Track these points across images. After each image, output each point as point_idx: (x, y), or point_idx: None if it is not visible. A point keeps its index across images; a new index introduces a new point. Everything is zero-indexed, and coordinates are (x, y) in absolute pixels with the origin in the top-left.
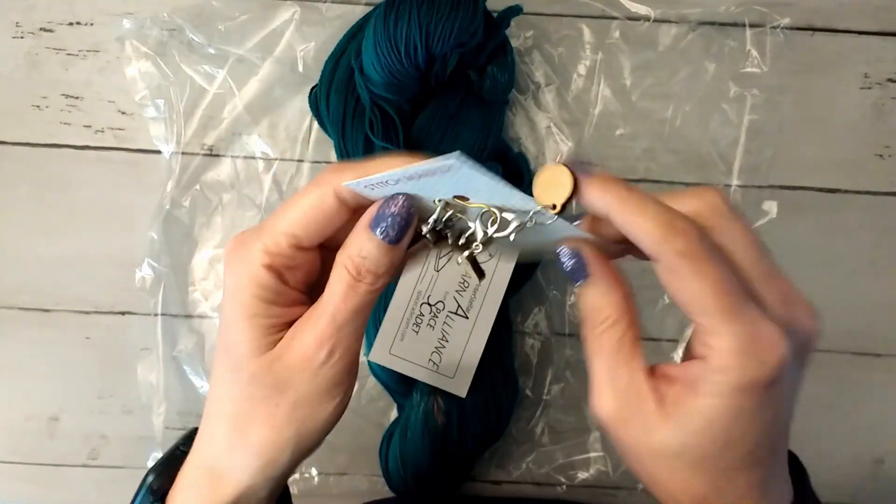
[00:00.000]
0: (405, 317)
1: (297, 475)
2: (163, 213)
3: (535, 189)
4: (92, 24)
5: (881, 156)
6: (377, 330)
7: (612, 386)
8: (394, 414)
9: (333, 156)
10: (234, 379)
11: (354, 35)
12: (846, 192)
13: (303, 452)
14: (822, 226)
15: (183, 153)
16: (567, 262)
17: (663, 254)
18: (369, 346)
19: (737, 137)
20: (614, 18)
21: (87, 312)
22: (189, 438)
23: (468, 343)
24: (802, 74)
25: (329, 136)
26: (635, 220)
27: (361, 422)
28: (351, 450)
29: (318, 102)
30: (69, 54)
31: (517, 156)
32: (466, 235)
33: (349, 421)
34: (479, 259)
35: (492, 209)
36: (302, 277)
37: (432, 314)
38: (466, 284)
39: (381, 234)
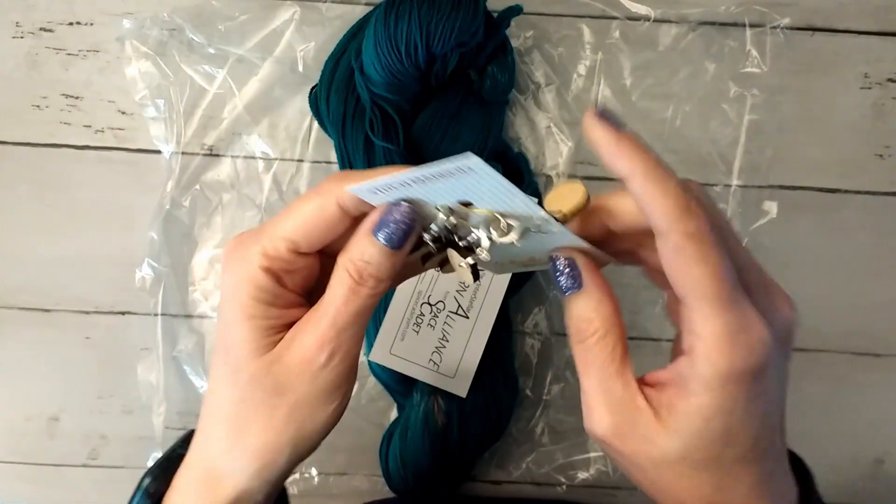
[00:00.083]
0: (406, 316)
1: (296, 475)
2: (163, 213)
3: (547, 198)
4: (92, 24)
5: (881, 156)
6: (377, 330)
7: (607, 401)
8: (394, 414)
9: (333, 156)
10: (233, 380)
11: (354, 35)
12: (846, 192)
13: (301, 454)
14: (822, 226)
15: (183, 153)
16: (561, 271)
17: (673, 232)
18: (370, 345)
19: (737, 137)
20: (614, 18)
21: (87, 312)
22: (186, 441)
23: (468, 343)
24: (802, 74)
25: (329, 135)
26: (656, 194)
27: (361, 422)
28: (351, 450)
29: (318, 102)
30: (69, 54)
31: (517, 156)
32: (471, 242)
33: (349, 421)
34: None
35: (496, 215)
36: (300, 281)
37: (433, 314)
38: (467, 285)
39: (384, 238)
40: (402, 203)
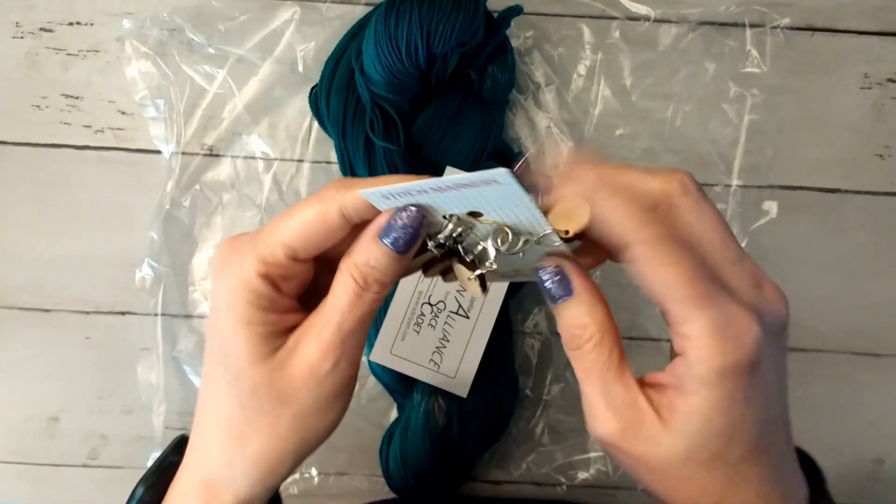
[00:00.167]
0: (406, 317)
1: (296, 475)
2: (163, 213)
3: (553, 213)
4: (92, 24)
5: (881, 156)
6: (378, 330)
7: (610, 405)
8: (394, 414)
9: (333, 156)
10: (232, 390)
11: (355, 35)
12: (846, 192)
13: (302, 459)
14: (822, 226)
15: (183, 153)
16: (550, 279)
17: (637, 243)
18: (370, 345)
19: (737, 137)
20: (614, 18)
21: (87, 312)
22: (178, 447)
23: (469, 343)
24: (802, 74)
25: (329, 135)
26: (607, 211)
27: (361, 422)
28: (351, 450)
29: (319, 102)
30: (69, 54)
31: (517, 156)
32: (476, 253)
33: (349, 421)
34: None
35: (504, 227)
36: (295, 287)
37: (433, 314)
38: (463, 287)
39: (391, 242)
40: (411, 208)
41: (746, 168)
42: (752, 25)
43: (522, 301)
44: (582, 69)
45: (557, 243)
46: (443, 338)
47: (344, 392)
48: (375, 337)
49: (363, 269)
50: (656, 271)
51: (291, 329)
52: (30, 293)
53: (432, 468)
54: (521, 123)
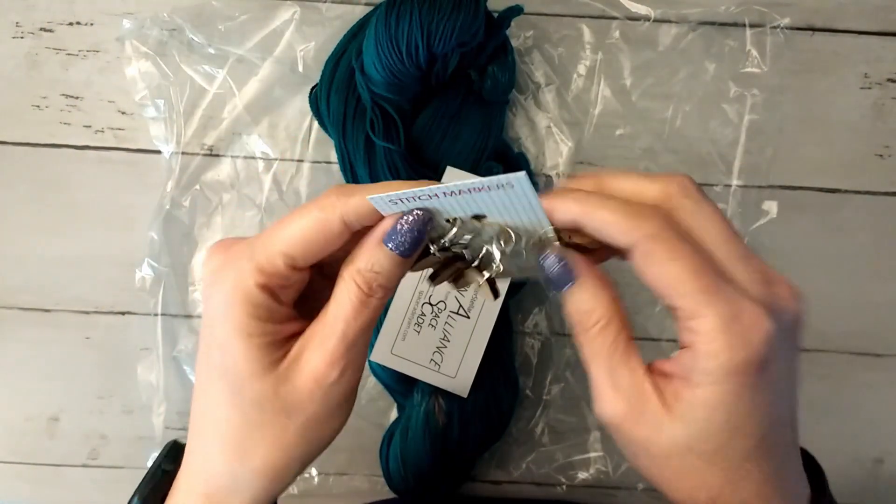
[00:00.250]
0: (407, 316)
1: None
2: (163, 213)
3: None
4: (92, 24)
5: (881, 156)
6: (378, 330)
7: (615, 388)
8: (394, 414)
9: (333, 156)
10: (235, 402)
11: (355, 35)
12: (846, 192)
13: (307, 466)
14: (822, 226)
15: (183, 153)
16: (552, 267)
17: (635, 241)
18: (370, 345)
19: (737, 137)
20: (614, 18)
21: (87, 312)
22: (171, 455)
23: (469, 343)
24: (802, 74)
25: (329, 135)
26: (601, 216)
27: (361, 422)
28: (351, 450)
29: (319, 102)
30: (69, 54)
31: (517, 156)
32: (480, 256)
33: (349, 421)
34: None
35: (507, 229)
36: (292, 295)
37: (434, 314)
38: (464, 289)
39: (394, 246)
40: (416, 211)
41: (746, 168)
42: (752, 25)
43: (522, 301)
44: (582, 69)
45: (557, 244)
46: (443, 338)
47: (349, 398)
48: (376, 337)
49: (367, 276)
50: (660, 267)
51: (291, 337)
52: (30, 293)
53: (432, 468)
54: (521, 123)
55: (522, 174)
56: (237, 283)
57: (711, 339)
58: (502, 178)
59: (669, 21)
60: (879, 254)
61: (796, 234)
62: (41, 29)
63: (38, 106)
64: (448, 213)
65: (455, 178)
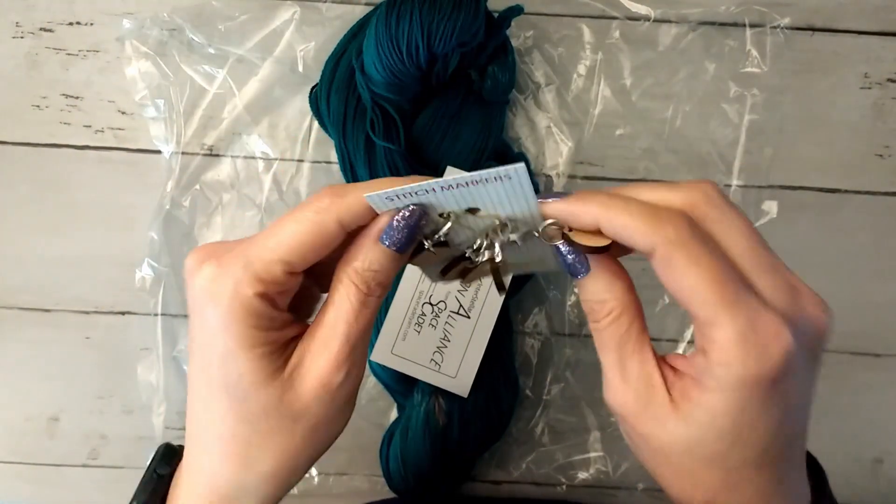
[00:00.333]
0: (407, 316)
1: None
2: (163, 213)
3: (574, 233)
4: (92, 24)
5: (881, 156)
6: (379, 330)
7: (623, 378)
8: (394, 414)
9: (333, 156)
10: (238, 415)
11: (355, 35)
12: (846, 192)
13: (312, 466)
14: (822, 226)
15: (183, 153)
16: (567, 256)
17: (655, 245)
18: (371, 346)
19: (737, 137)
20: (614, 18)
21: (87, 312)
22: (164, 458)
23: (470, 343)
24: (802, 74)
25: (329, 135)
26: (622, 219)
27: (361, 422)
28: (351, 450)
29: (319, 102)
30: (69, 54)
31: (517, 156)
32: (478, 248)
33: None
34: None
35: (505, 220)
36: (288, 299)
37: (434, 314)
38: (468, 285)
39: (390, 242)
40: (413, 207)
41: (746, 168)
42: (752, 25)
43: (522, 301)
44: (582, 69)
45: (557, 240)
46: (443, 338)
47: (353, 398)
48: (376, 337)
49: (365, 275)
50: (679, 273)
51: (291, 341)
52: (30, 293)
53: (432, 468)
54: (521, 123)
55: (522, 165)
56: (235, 294)
57: (726, 348)
58: (501, 169)
59: (669, 21)
60: (879, 254)
61: (796, 234)
62: (41, 29)
63: (38, 106)
64: (442, 208)
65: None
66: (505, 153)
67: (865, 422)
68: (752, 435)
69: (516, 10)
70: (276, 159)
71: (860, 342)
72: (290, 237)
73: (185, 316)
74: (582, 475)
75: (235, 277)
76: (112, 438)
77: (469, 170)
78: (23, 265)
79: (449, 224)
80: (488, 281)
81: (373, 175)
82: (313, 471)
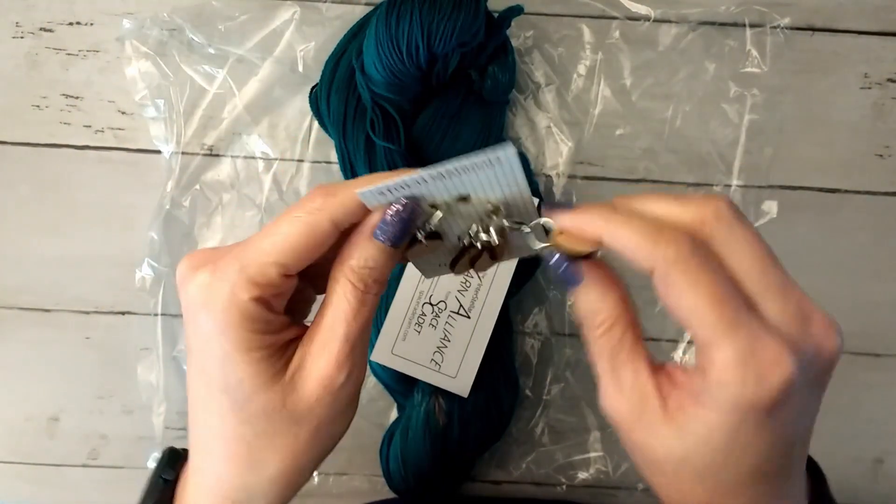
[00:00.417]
0: (407, 316)
1: None
2: (163, 213)
3: (560, 236)
4: (92, 24)
5: (881, 156)
6: (379, 330)
7: (618, 387)
8: (394, 414)
9: (333, 156)
10: (240, 418)
11: (355, 35)
12: (846, 192)
13: (318, 466)
14: (822, 226)
15: (183, 153)
16: (559, 267)
17: (655, 264)
18: (371, 346)
19: (737, 137)
20: (614, 18)
21: (87, 312)
22: (169, 463)
23: (470, 343)
24: (802, 74)
25: (329, 135)
26: (623, 234)
27: (361, 422)
28: (351, 450)
29: (319, 102)
30: (69, 54)
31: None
32: (471, 234)
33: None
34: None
35: (496, 205)
36: (284, 302)
37: (434, 314)
38: (468, 284)
39: (385, 237)
40: (404, 200)
41: (746, 168)
42: (752, 25)
43: (522, 301)
44: (582, 69)
45: (548, 234)
46: (444, 338)
47: (356, 398)
48: (376, 337)
49: (361, 272)
50: (679, 294)
51: (289, 344)
52: (30, 293)
53: (432, 468)
54: (521, 123)
55: (512, 150)
56: (230, 299)
57: (724, 370)
58: (490, 153)
59: (669, 21)
60: (879, 254)
61: (796, 234)
62: (41, 29)
63: (38, 106)
64: (433, 198)
65: None
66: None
67: (865, 422)
68: (745, 454)
69: (516, 10)
70: (276, 159)
71: (860, 342)
72: (283, 239)
73: None
74: (582, 475)
75: (230, 282)
76: (112, 438)
77: None
78: (23, 265)
79: (440, 214)
80: (488, 281)
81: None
82: None
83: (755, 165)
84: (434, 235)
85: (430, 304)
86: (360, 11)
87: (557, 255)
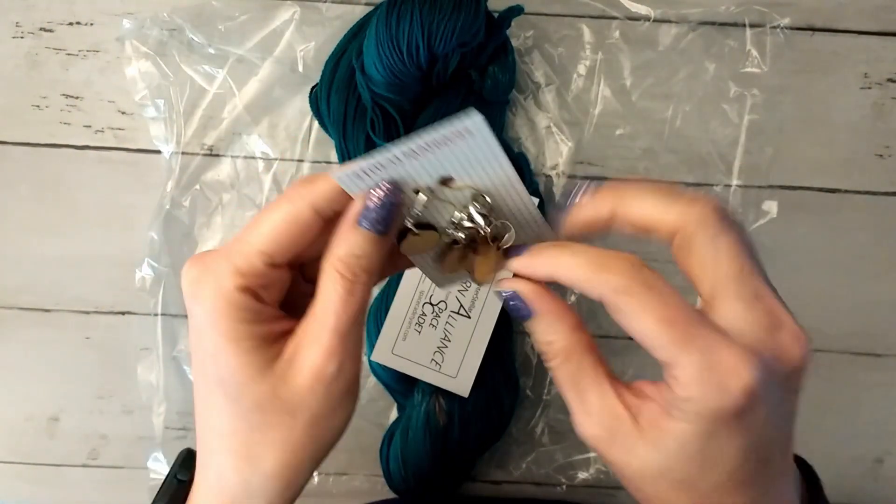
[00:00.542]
0: (408, 316)
1: None
2: (163, 213)
3: (476, 261)
4: (92, 24)
5: (881, 156)
6: (379, 330)
7: (586, 412)
8: (394, 414)
9: (333, 156)
10: (235, 411)
11: (355, 35)
12: (846, 192)
13: (319, 463)
14: (822, 226)
15: (183, 153)
16: (510, 302)
17: (603, 295)
18: (371, 345)
19: (737, 137)
20: (614, 18)
21: (87, 312)
22: (185, 464)
23: (470, 343)
24: (802, 74)
25: (329, 135)
26: (570, 271)
27: (361, 422)
28: (351, 450)
29: (319, 102)
30: (69, 54)
31: (517, 156)
32: (455, 223)
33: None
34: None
35: (479, 192)
36: (276, 295)
37: (434, 314)
38: (469, 284)
39: (371, 225)
40: (384, 183)
41: (746, 168)
42: (752, 25)
43: None
44: (582, 69)
45: (533, 211)
46: (444, 338)
47: (351, 391)
48: (377, 337)
49: (348, 262)
50: (630, 321)
51: (281, 336)
52: (30, 293)
53: (433, 468)
54: (521, 123)
55: (477, 114)
56: (217, 289)
57: (686, 386)
58: (457, 123)
59: (669, 21)
60: (879, 254)
61: (796, 234)
62: (41, 29)
63: (38, 106)
64: (416, 182)
65: None
66: (505, 153)
67: (865, 422)
68: (720, 461)
69: (516, 10)
70: (276, 159)
71: (860, 342)
72: (266, 229)
73: (186, 316)
74: (582, 475)
75: (217, 273)
76: (112, 438)
77: None
78: (23, 265)
79: (424, 198)
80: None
81: None
82: None
83: (755, 165)
84: (427, 227)
85: (431, 304)
86: (360, 11)
87: (508, 291)
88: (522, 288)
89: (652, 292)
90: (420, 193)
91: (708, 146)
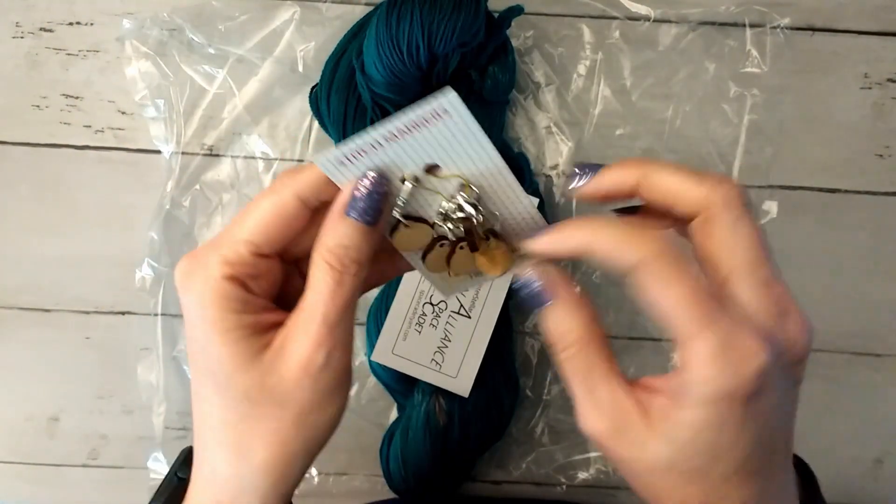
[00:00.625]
0: (408, 316)
1: None
2: (163, 213)
3: (479, 255)
4: (92, 24)
5: (881, 156)
6: (380, 330)
7: (596, 406)
8: (394, 414)
9: None
10: (224, 402)
11: (355, 35)
12: (846, 192)
13: (312, 459)
14: (822, 226)
15: (183, 153)
16: (528, 287)
17: (630, 268)
18: (372, 345)
19: (737, 137)
20: (614, 18)
21: (87, 312)
22: (186, 462)
23: (470, 343)
24: (802, 74)
25: (329, 135)
26: (599, 244)
27: (361, 422)
28: (351, 450)
29: (319, 102)
30: (69, 54)
31: (517, 156)
32: (443, 214)
33: (349, 421)
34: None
35: (466, 181)
36: (266, 286)
37: (435, 314)
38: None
39: (358, 215)
40: (369, 173)
41: (746, 168)
42: (752, 25)
43: None
44: (582, 69)
45: (524, 199)
46: (444, 338)
47: (342, 383)
48: (377, 337)
49: (337, 252)
50: (655, 294)
51: (271, 328)
52: (30, 293)
53: (433, 468)
54: (521, 123)
55: (451, 91)
56: (206, 279)
57: (703, 364)
58: (432, 101)
59: (669, 21)
60: (879, 254)
61: (796, 234)
62: (41, 29)
63: (38, 106)
64: (401, 170)
65: None
66: (505, 153)
67: (865, 422)
68: (730, 450)
69: (516, 10)
70: (276, 159)
71: (860, 342)
72: (253, 219)
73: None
74: (582, 475)
75: (206, 264)
76: (112, 438)
77: None
78: (23, 265)
79: (410, 186)
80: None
81: None
82: (313, 471)
83: (755, 165)
84: (416, 219)
85: (431, 304)
86: (360, 11)
87: (526, 275)
88: (548, 272)
89: (678, 268)
90: (406, 182)
91: (708, 146)
